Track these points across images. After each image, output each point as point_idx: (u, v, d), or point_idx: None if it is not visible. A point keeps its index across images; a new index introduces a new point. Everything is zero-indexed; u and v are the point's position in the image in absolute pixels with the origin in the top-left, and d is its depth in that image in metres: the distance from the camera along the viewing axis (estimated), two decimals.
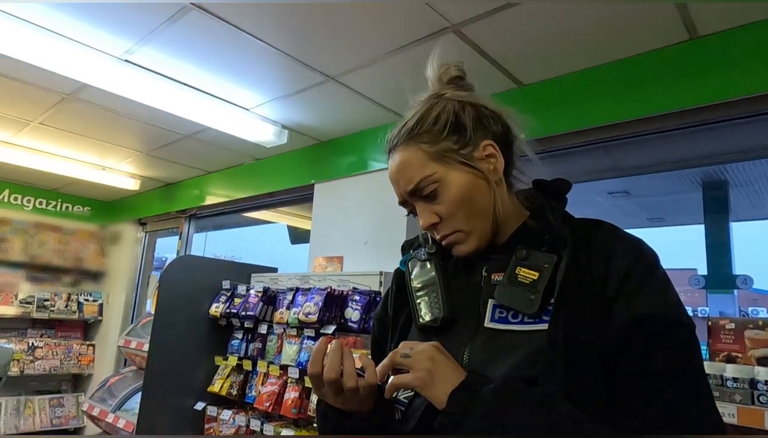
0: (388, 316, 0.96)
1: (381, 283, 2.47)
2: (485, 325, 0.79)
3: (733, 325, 1.56)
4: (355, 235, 2.83)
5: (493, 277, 0.83)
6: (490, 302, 0.81)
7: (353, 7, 1.78)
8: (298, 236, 4.82)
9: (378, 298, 2.44)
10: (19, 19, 1.98)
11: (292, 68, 2.23)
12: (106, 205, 5.31)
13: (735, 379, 1.29)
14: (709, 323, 1.62)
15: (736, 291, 4.83)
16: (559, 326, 0.70)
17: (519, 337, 0.75)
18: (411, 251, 0.96)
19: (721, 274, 4.67)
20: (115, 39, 2.09)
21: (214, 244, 5.08)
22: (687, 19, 1.72)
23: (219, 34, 1.99)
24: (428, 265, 0.90)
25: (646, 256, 0.74)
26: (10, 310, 4.49)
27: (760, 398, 1.25)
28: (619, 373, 0.67)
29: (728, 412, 1.24)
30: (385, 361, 0.73)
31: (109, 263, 5.19)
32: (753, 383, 1.28)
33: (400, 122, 0.89)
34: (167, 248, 5.06)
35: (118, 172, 4.15)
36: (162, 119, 2.90)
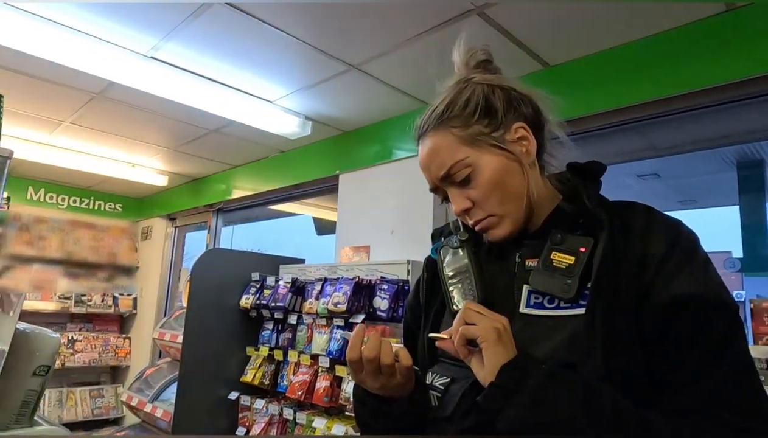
0: (419, 303, 0.95)
1: (408, 271, 2.47)
2: (521, 310, 0.78)
3: (751, 306, 1.50)
4: (381, 225, 2.83)
5: (527, 263, 0.81)
6: (525, 288, 0.79)
7: None
8: (324, 227, 4.85)
9: (406, 287, 2.43)
10: (46, 20, 2.02)
11: (314, 58, 2.22)
12: (136, 202, 5.44)
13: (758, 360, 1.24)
14: (752, 306, 1.57)
15: None
16: (597, 310, 0.68)
17: (556, 322, 0.73)
18: (442, 239, 0.95)
19: (757, 256, 4.52)
20: (141, 36, 2.12)
21: (241, 238, 5.15)
22: None
23: (240, 26, 2.00)
24: (461, 252, 0.89)
25: (684, 237, 0.71)
26: (50, 306, 4.66)
27: None
28: (661, 355, 0.65)
29: None
30: (458, 317, 0.73)
31: (142, 258, 5.32)
32: None
33: (428, 108, 0.87)
34: (196, 242, 5.16)
35: (148, 168, 4.24)
36: (188, 115, 2.94)
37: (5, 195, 4.35)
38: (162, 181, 4.45)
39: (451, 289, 0.87)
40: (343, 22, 1.94)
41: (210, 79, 2.48)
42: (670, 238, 0.71)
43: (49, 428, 0.60)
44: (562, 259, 0.75)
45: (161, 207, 5.08)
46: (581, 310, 0.70)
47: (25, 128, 3.39)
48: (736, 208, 4.63)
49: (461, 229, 0.92)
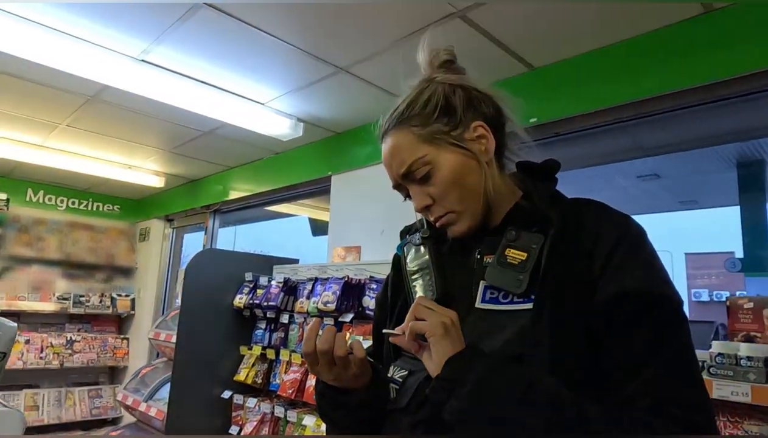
0: (387, 300, 0.98)
1: None
2: (476, 305, 0.80)
3: (752, 305, 1.52)
4: (371, 225, 2.86)
5: (485, 259, 0.84)
6: (482, 283, 0.82)
7: None
8: (319, 228, 4.88)
9: None
10: (38, 24, 2.06)
11: (302, 61, 2.26)
12: (134, 203, 5.48)
13: (749, 358, 1.27)
14: (728, 303, 1.59)
15: None
16: (544, 304, 0.70)
17: (508, 316, 0.76)
18: (407, 236, 0.98)
19: (759, 256, 4.52)
20: (132, 39, 2.16)
21: (241, 239, 5.19)
22: None
23: (228, 30, 2.03)
24: (422, 249, 0.91)
25: (632, 233, 0.74)
26: (49, 307, 4.70)
27: None
28: (604, 347, 0.68)
29: (742, 391, 1.22)
30: (409, 313, 0.75)
31: (140, 259, 5.36)
32: (767, 362, 1.25)
33: (391, 108, 0.90)
34: (194, 244, 5.19)
35: (144, 170, 4.28)
36: (181, 117, 2.97)
37: (5, 197, 4.39)
38: (158, 182, 4.49)
39: (413, 284, 0.90)
40: (330, 25, 1.98)
41: (202, 81, 2.51)
42: (618, 233, 0.73)
43: (4, 410, 0.63)
44: (515, 255, 0.78)
45: (159, 208, 5.12)
46: (529, 305, 0.73)
47: (22, 131, 3.43)
48: (737, 208, 4.63)
49: (425, 226, 0.94)
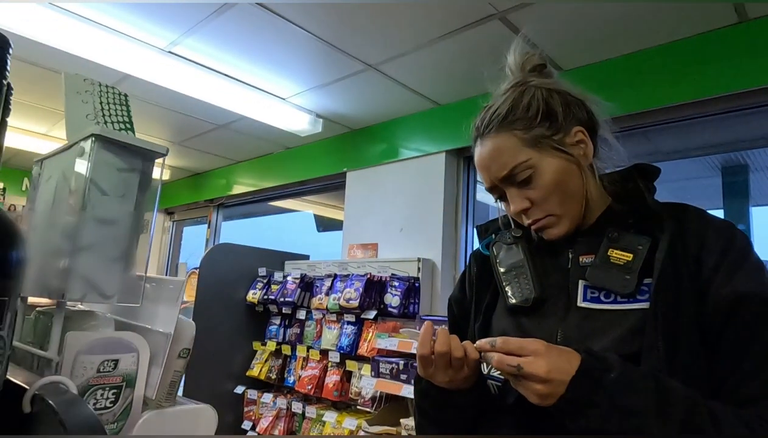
0: (467, 298, 0.99)
1: (419, 269, 2.52)
2: (578, 304, 0.82)
3: None
4: (389, 223, 2.87)
5: (581, 259, 0.85)
6: (581, 283, 0.83)
7: None
8: (325, 224, 4.87)
9: (417, 285, 2.48)
10: (63, 11, 2.02)
11: (332, 57, 2.25)
12: None
13: None
14: None
15: None
16: (659, 305, 0.72)
17: (614, 315, 0.77)
18: (493, 235, 0.98)
19: None
20: (161, 31, 2.13)
21: (241, 233, 5.15)
22: (738, 3, 1.72)
23: (264, 24, 2.02)
24: (515, 248, 0.92)
25: (739, 239, 0.76)
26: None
27: None
28: (720, 349, 0.70)
29: None
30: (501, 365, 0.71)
31: (139, 252, 5.27)
32: None
33: (485, 110, 0.90)
34: (194, 237, 5.14)
35: None
36: (198, 109, 2.94)
37: (1, 186, 4.29)
38: (163, 175, 4.42)
39: (505, 284, 0.90)
40: (365, 21, 1.98)
41: (225, 75, 2.49)
42: (726, 238, 0.75)
43: (195, 406, 0.63)
44: (619, 255, 0.80)
45: (159, 201, 5.04)
46: (639, 305, 0.75)
47: (27, 120, 3.36)
48: (721, 211, 4.75)
49: (512, 225, 0.95)
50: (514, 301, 0.88)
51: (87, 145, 0.54)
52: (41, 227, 0.66)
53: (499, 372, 0.85)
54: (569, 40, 2.04)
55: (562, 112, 0.85)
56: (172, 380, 0.62)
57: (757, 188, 4.70)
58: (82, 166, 0.54)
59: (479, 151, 0.89)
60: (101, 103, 0.59)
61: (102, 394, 0.53)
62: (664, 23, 1.88)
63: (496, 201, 0.93)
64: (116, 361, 0.54)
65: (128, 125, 0.64)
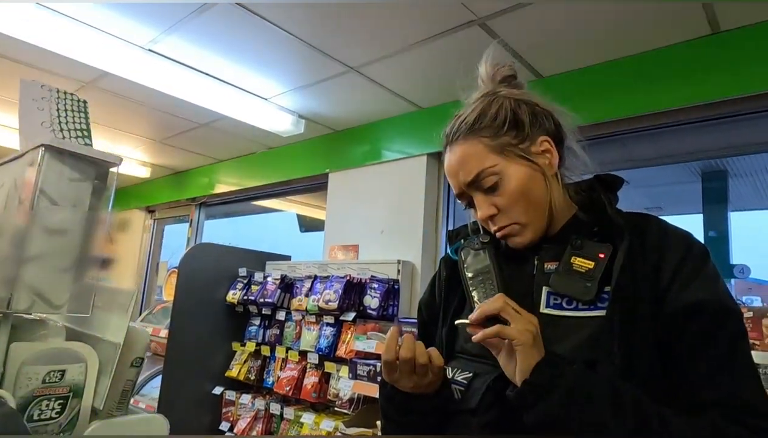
0: (436, 302, 1.00)
1: (399, 271, 2.53)
2: (541, 310, 0.83)
3: (751, 314, 1.61)
4: (370, 224, 2.87)
5: (546, 266, 0.86)
6: (545, 289, 0.84)
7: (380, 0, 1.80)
8: (308, 224, 4.86)
9: (396, 286, 2.49)
10: (42, 6, 1.99)
11: (314, 59, 2.25)
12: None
13: (759, 365, 1.34)
14: None
15: (733, 280, 4.90)
16: (617, 312, 0.74)
17: (575, 322, 0.79)
18: (462, 241, 0.99)
19: (718, 263, 4.73)
20: (142, 28, 2.11)
21: (223, 232, 5.11)
22: (710, 14, 1.75)
23: (245, 25, 2.01)
24: (482, 254, 0.93)
25: (696, 248, 0.78)
26: None
27: None
28: (677, 357, 0.71)
29: None
30: (491, 305, 0.75)
31: (117, 250, 5.22)
32: None
33: (455, 117, 0.91)
34: (174, 235, 5.10)
35: (129, 159, 4.17)
36: (180, 108, 2.92)
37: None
38: (144, 172, 4.38)
39: (472, 288, 0.92)
40: (347, 24, 1.98)
41: (207, 74, 2.48)
42: (684, 248, 0.78)
43: (146, 416, 0.63)
44: (581, 263, 0.81)
45: (140, 199, 4.99)
46: (599, 312, 0.76)
47: (5, 114, 3.30)
48: (700, 216, 4.83)
49: (481, 231, 0.96)
50: (479, 305, 0.89)
51: (37, 154, 0.53)
52: None
53: (463, 377, 0.86)
54: (548, 48, 2.06)
55: (528, 122, 0.86)
56: (123, 389, 0.62)
57: (735, 193, 4.79)
58: (31, 176, 0.54)
59: (448, 158, 0.90)
60: (58, 110, 0.58)
61: (47, 405, 0.52)
62: (640, 33, 1.91)
63: (465, 208, 0.94)
64: (63, 372, 0.54)
65: (85, 133, 0.63)
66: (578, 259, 0.81)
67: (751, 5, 1.70)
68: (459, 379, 0.86)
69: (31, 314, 0.59)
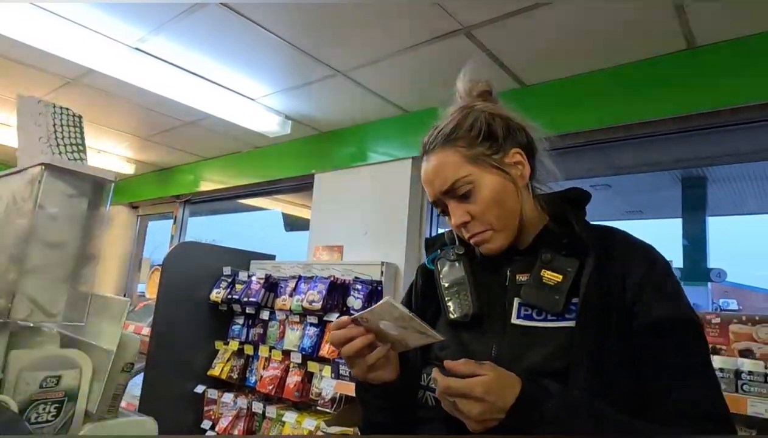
0: (413, 309, 1.04)
1: (382, 273, 2.56)
2: (512, 321, 0.87)
3: (718, 320, 1.68)
4: (355, 226, 2.90)
5: (517, 278, 0.91)
6: (516, 301, 0.88)
7: (369, 7, 1.83)
8: (293, 223, 4.87)
9: (379, 288, 2.52)
10: (31, 5, 1.98)
11: (302, 61, 2.27)
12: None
13: (721, 370, 1.41)
14: None
15: (710, 284, 5.03)
16: (585, 323, 0.78)
17: (544, 333, 0.83)
18: (439, 250, 1.03)
19: (696, 267, 4.85)
20: (129, 27, 2.11)
21: (207, 230, 5.10)
22: (686, 30, 1.82)
23: (233, 26, 2.03)
24: (457, 265, 0.97)
25: (659, 262, 0.83)
26: None
27: (744, 387, 1.38)
28: (642, 368, 0.76)
29: None
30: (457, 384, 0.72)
31: (99, 246, 5.16)
32: (737, 374, 1.40)
33: (433, 128, 0.95)
34: (157, 232, 5.07)
35: (114, 155, 4.14)
36: (166, 106, 2.92)
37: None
38: (128, 169, 4.35)
39: (447, 299, 0.96)
40: (334, 29, 2.01)
41: (194, 73, 2.48)
42: (648, 263, 0.82)
43: (136, 419, 0.66)
44: (551, 276, 0.86)
45: (123, 195, 4.95)
46: (567, 323, 0.81)
47: None
48: (679, 220, 4.94)
49: (456, 242, 1.00)
50: (454, 315, 0.93)
51: (37, 171, 0.56)
52: None
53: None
54: (531, 57, 2.11)
55: (502, 134, 0.90)
56: (114, 393, 0.64)
57: (714, 199, 4.91)
58: (31, 192, 0.56)
59: (424, 166, 0.94)
60: (54, 125, 0.60)
61: (44, 409, 0.55)
62: (620, 45, 1.97)
63: (439, 215, 0.98)
64: (59, 377, 0.57)
65: (80, 147, 0.66)
66: (548, 272, 0.86)
67: (726, 22, 1.77)
68: (433, 386, 0.90)
69: (27, 323, 0.61)
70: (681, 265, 5.02)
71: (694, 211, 4.84)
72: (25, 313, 0.58)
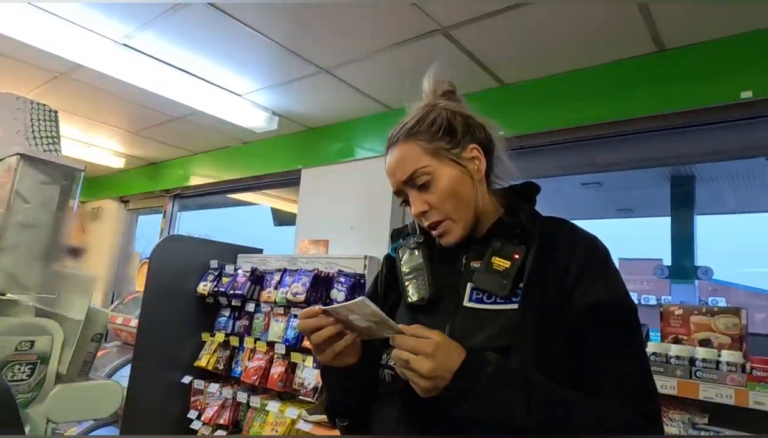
0: (378, 295, 1.10)
1: (365, 266, 2.62)
2: (464, 304, 0.94)
3: (681, 311, 1.76)
4: (340, 220, 2.96)
5: (471, 265, 0.97)
6: (469, 285, 0.95)
7: (351, 7, 1.89)
8: (282, 218, 4.92)
9: (362, 281, 2.58)
10: (21, 2, 2.03)
11: (287, 60, 2.33)
12: (86, 182, 5.30)
13: (678, 357, 1.49)
14: (662, 309, 1.82)
15: (697, 281, 5.12)
16: (527, 305, 0.85)
17: (492, 314, 0.89)
18: (401, 240, 1.10)
19: (684, 265, 4.93)
20: (117, 23, 2.16)
21: (196, 224, 5.14)
22: (654, 33, 1.89)
23: (218, 24, 2.08)
24: (416, 253, 1.04)
25: (600, 252, 0.90)
26: None
27: (697, 373, 1.45)
28: (579, 349, 0.83)
29: (669, 385, 1.44)
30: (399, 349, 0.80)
31: (90, 240, 5.20)
32: (692, 361, 1.48)
33: (398, 123, 1.02)
34: (147, 226, 5.11)
35: (104, 149, 4.17)
36: (155, 101, 2.96)
37: None
38: (118, 163, 4.39)
39: (407, 284, 1.02)
40: (318, 28, 2.06)
41: (182, 69, 2.53)
42: (589, 251, 0.89)
43: (102, 382, 0.72)
44: (500, 263, 0.92)
45: (113, 189, 4.99)
46: (513, 306, 0.87)
47: None
48: (668, 219, 5.02)
49: (418, 232, 1.07)
50: (412, 299, 0.99)
51: (14, 161, 0.61)
52: None
53: (394, 362, 0.97)
54: (508, 57, 2.18)
55: (461, 131, 0.97)
56: (84, 359, 0.71)
57: (702, 198, 4.99)
58: (9, 179, 0.62)
59: (388, 159, 1.01)
60: (32, 119, 0.66)
61: (19, 369, 0.61)
62: (594, 46, 2.03)
63: (400, 204, 1.04)
64: (32, 342, 0.62)
65: (55, 139, 0.71)
66: (497, 259, 0.92)
67: (690, 25, 1.85)
68: (390, 363, 0.96)
69: (5, 295, 0.67)
70: (669, 263, 5.11)
71: (682, 209, 4.92)
72: (2, 286, 0.64)
